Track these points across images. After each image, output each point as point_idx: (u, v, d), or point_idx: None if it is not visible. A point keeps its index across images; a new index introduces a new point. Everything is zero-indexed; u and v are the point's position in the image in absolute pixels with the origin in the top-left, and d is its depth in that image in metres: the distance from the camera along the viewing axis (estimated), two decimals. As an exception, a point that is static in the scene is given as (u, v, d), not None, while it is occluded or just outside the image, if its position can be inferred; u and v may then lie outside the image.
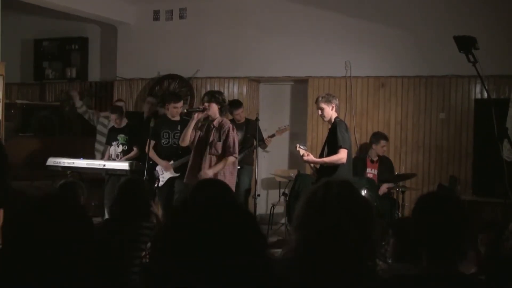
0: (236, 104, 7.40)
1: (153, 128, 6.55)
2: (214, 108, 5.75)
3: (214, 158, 5.72)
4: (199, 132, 5.83)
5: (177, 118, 6.75)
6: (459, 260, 1.98)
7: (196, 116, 5.76)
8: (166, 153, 6.68)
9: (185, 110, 6.12)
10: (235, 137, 5.76)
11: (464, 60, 4.42)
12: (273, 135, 7.24)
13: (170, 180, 6.64)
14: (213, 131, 5.76)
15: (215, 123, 5.77)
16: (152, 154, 6.71)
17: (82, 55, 9.46)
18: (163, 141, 6.74)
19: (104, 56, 9.42)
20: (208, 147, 5.73)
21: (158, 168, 6.72)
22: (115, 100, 8.51)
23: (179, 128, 6.67)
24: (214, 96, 5.82)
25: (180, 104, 6.69)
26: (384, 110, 7.54)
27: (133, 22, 8.86)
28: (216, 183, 3.37)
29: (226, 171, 5.69)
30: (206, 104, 5.73)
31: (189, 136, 5.78)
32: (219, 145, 5.71)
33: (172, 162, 6.72)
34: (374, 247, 1.86)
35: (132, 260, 3.75)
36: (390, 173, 6.96)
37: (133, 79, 8.92)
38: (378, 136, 7.11)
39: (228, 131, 5.71)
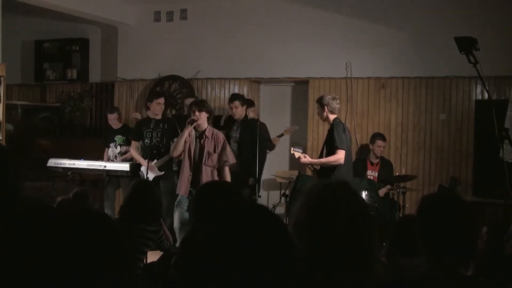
0: (231, 97, 7.00)
1: (139, 129, 6.66)
2: (204, 117, 5.77)
3: (209, 169, 5.74)
4: (188, 142, 5.82)
5: (159, 117, 6.79)
6: (463, 261, 1.98)
7: (191, 127, 5.74)
8: (148, 153, 6.69)
9: (190, 125, 5.94)
10: (229, 146, 5.93)
11: (464, 61, 4.42)
12: (281, 135, 7.21)
13: (155, 180, 6.65)
14: (206, 141, 5.76)
15: (208, 133, 5.78)
16: (136, 155, 6.81)
17: (83, 56, 9.46)
18: (146, 140, 6.76)
19: (104, 57, 9.43)
20: (204, 159, 5.74)
21: (142, 168, 6.72)
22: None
23: (161, 127, 6.71)
24: (203, 105, 5.86)
25: (162, 100, 6.80)
26: (384, 111, 7.55)
27: (134, 23, 8.87)
28: (223, 185, 3.36)
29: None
30: (198, 113, 5.73)
31: (181, 146, 5.77)
32: (215, 156, 5.74)
33: (155, 161, 6.72)
34: (376, 248, 1.86)
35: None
36: (390, 175, 6.97)
37: (134, 80, 8.92)
38: (374, 136, 7.16)
39: (224, 141, 5.81)
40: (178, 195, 5.91)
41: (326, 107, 5.71)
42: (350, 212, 1.78)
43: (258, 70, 8.16)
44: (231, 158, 5.82)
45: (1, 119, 6.88)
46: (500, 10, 6.96)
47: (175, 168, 6.74)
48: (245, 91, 8.24)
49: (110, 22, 8.81)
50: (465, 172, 7.10)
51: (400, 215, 6.27)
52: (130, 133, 7.32)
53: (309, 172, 6.89)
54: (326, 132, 5.99)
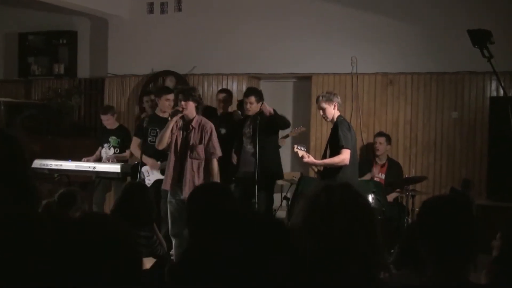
0: (246, 91, 6.79)
1: (141, 126, 6.60)
2: (191, 107, 5.73)
3: (195, 162, 5.70)
4: (175, 134, 5.80)
5: (166, 115, 6.77)
6: (467, 268, 2.00)
7: (175, 118, 5.73)
8: (152, 152, 6.66)
9: (169, 117, 5.95)
10: (216, 137, 5.79)
11: (478, 56, 4.44)
12: (287, 136, 7.19)
13: (156, 183, 6.63)
14: (192, 132, 5.74)
15: (194, 123, 5.75)
16: (137, 152, 6.76)
17: (71, 50, 9.45)
18: (149, 138, 6.74)
19: (94, 51, 9.42)
20: (189, 151, 5.71)
21: (143, 169, 6.69)
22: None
23: None
24: (190, 94, 5.80)
25: (172, 96, 6.73)
26: (392, 109, 7.55)
27: (125, 15, 8.87)
28: (214, 187, 3.37)
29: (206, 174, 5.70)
30: (183, 103, 5.71)
31: (166, 139, 5.74)
32: (201, 148, 5.71)
33: (158, 163, 6.71)
34: (381, 253, 1.88)
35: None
36: (398, 177, 6.94)
37: (125, 76, 8.92)
38: (376, 134, 7.21)
39: (211, 132, 5.73)
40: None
41: (335, 104, 5.70)
42: (352, 214, 1.81)
43: (257, 65, 8.16)
44: (218, 150, 5.75)
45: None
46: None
47: None
48: (244, 88, 8.23)
49: (100, 13, 8.81)
50: (479, 173, 7.10)
51: (409, 220, 6.27)
52: (127, 134, 7.30)
53: (312, 174, 6.89)
54: (329, 131, 5.99)
